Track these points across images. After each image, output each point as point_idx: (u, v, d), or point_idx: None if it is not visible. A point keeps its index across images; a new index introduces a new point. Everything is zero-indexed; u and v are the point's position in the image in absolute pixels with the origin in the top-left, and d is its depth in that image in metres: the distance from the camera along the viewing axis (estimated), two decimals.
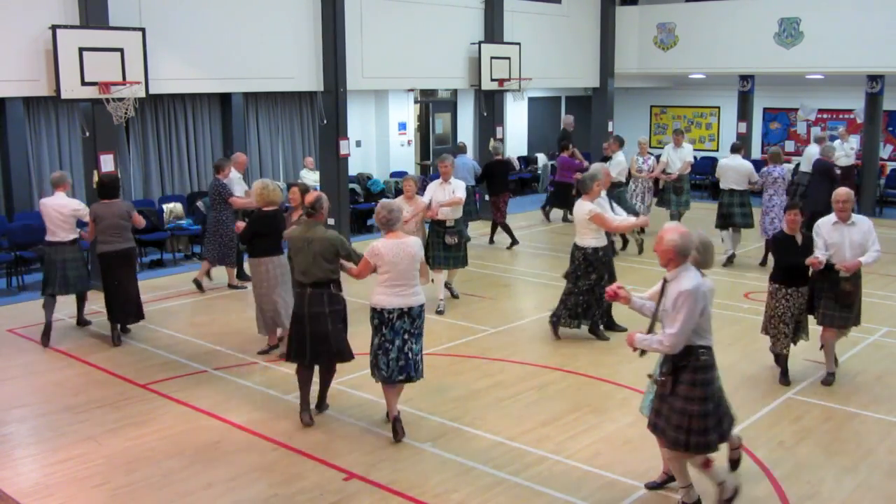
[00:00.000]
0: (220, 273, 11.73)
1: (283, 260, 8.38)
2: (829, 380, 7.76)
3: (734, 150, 12.94)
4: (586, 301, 8.90)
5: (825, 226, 7.57)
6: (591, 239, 8.74)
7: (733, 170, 12.56)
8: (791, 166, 19.24)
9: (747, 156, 15.36)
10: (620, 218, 8.90)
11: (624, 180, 13.56)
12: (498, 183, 14.23)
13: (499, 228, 14.43)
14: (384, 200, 6.91)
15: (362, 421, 6.91)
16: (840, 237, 7.49)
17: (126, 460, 6.28)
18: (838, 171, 13.43)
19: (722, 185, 12.72)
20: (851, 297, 7.56)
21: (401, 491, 5.77)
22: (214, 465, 6.21)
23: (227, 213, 11.08)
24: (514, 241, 14.27)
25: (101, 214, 8.97)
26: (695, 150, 21.36)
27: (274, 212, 8.37)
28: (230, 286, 11.52)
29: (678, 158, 14.19)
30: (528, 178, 21.02)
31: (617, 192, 13.19)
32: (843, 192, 7.57)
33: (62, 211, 9.12)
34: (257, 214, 8.42)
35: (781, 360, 7.85)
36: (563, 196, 15.70)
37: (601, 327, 9.15)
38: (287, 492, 5.78)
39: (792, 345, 7.78)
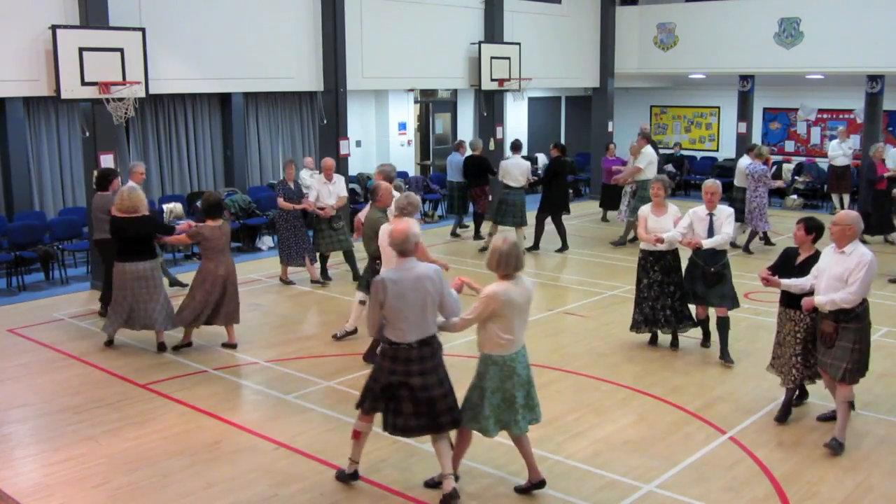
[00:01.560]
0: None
1: (131, 268, 8.50)
2: (832, 444, 6.37)
3: (747, 150, 13.93)
4: (637, 306, 8.74)
5: (826, 250, 6.52)
6: (644, 243, 8.58)
7: (738, 168, 13.78)
8: (790, 166, 19.26)
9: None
10: (664, 231, 8.33)
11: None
12: (473, 178, 14.49)
13: (491, 224, 14.44)
14: (411, 193, 7.71)
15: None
16: (826, 266, 6.37)
17: (126, 460, 6.28)
18: (889, 171, 13.67)
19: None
20: (829, 341, 6.37)
21: (401, 491, 5.77)
22: (214, 465, 6.21)
23: (286, 214, 11.53)
24: (478, 236, 14.79)
25: (94, 205, 10.03)
26: (694, 150, 21.45)
27: (122, 219, 8.56)
28: (312, 282, 11.74)
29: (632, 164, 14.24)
30: None
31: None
32: (838, 216, 6.43)
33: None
34: (110, 219, 8.80)
35: (786, 392, 7.01)
36: (605, 197, 16.37)
37: (657, 335, 8.86)
38: (287, 492, 5.78)
39: (805, 381, 6.88)
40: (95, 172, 10.52)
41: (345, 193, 11.86)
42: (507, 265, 5.38)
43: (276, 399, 7.50)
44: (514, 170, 13.43)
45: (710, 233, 8.15)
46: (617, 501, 5.65)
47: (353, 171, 16.12)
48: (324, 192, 11.45)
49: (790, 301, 6.70)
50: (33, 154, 13.12)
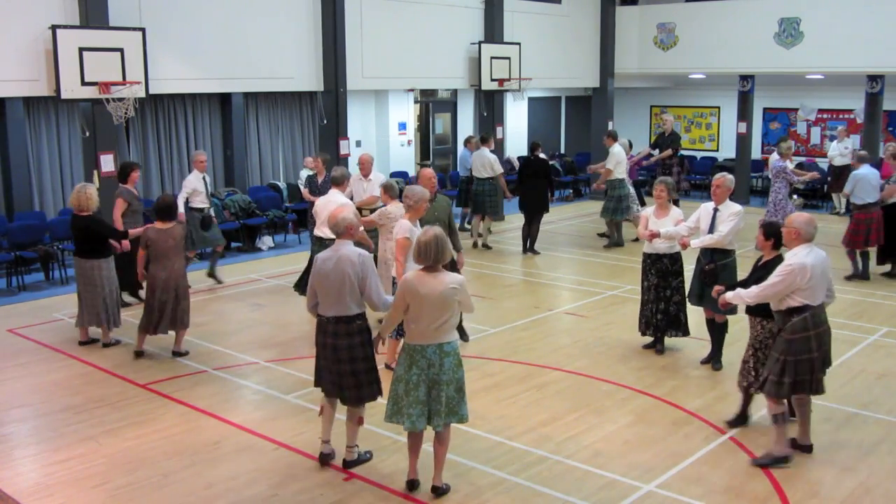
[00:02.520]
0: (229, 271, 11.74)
1: (77, 262, 8.80)
2: (761, 461, 6.14)
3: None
4: (640, 307, 8.67)
5: None
6: (647, 244, 8.44)
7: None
8: (791, 165, 19.24)
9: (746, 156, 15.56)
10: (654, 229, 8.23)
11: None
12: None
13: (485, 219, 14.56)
14: (414, 186, 7.79)
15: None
16: None
17: (126, 460, 6.28)
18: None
19: None
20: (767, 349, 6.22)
21: (401, 491, 5.77)
22: (214, 465, 6.21)
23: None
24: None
25: (115, 196, 10.21)
26: (694, 150, 21.45)
27: (73, 215, 8.80)
28: None
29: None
30: None
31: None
32: (787, 218, 6.27)
33: None
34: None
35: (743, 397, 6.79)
36: None
37: (654, 338, 8.72)
38: (287, 492, 5.79)
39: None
40: (97, 178, 10.82)
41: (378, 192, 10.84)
42: (422, 256, 5.43)
43: (276, 399, 7.50)
44: (477, 162, 14.00)
45: (712, 229, 7.93)
46: (617, 501, 5.65)
47: (352, 171, 16.09)
48: (358, 189, 10.63)
49: (763, 311, 6.43)
50: (33, 154, 13.12)
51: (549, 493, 5.73)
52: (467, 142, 15.74)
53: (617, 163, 13.87)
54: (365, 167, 10.74)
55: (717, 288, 6.78)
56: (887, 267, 11.94)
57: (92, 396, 7.57)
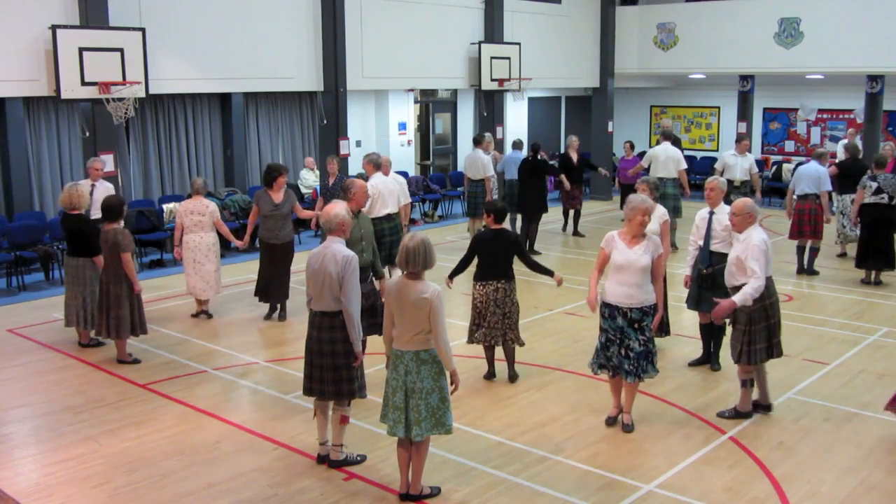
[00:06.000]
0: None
1: (66, 260, 8.89)
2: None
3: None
4: None
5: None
6: None
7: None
8: (790, 166, 19.24)
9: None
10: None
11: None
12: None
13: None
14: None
15: (363, 421, 6.91)
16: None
17: (126, 460, 6.28)
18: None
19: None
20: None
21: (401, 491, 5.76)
22: (214, 465, 6.21)
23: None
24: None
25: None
26: (694, 150, 21.41)
27: (63, 214, 8.86)
28: None
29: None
30: None
31: None
32: (742, 204, 6.78)
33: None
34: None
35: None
36: (625, 197, 15.40)
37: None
38: (287, 492, 5.79)
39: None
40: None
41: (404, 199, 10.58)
42: (406, 262, 5.40)
43: (276, 399, 7.50)
44: (471, 164, 14.05)
45: (708, 233, 7.88)
46: (617, 501, 5.65)
47: (352, 171, 16.11)
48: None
49: None
50: (33, 154, 13.12)
51: (549, 493, 5.73)
52: (479, 143, 15.54)
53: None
54: (383, 170, 10.57)
55: (718, 309, 6.61)
56: (863, 273, 11.61)
57: (92, 396, 7.57)
